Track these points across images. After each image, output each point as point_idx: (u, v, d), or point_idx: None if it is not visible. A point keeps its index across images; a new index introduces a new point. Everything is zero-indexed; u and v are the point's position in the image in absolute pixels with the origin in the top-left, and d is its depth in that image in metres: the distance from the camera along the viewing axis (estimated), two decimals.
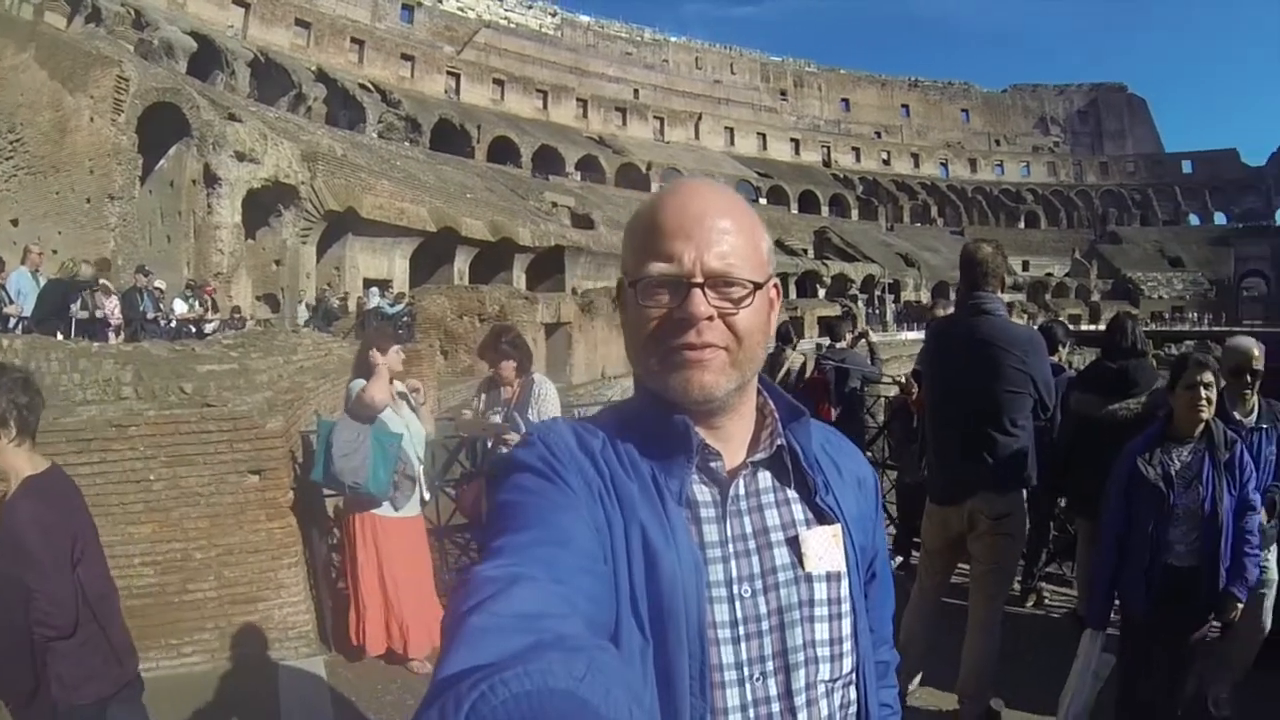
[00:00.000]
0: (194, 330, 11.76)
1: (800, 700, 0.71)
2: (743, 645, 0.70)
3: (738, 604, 0.71)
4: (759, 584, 0.72)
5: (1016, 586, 3.71)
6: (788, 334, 5.20)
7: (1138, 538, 2.37)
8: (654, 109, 51.49)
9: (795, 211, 51.37)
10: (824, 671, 0.73)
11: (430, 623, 3.37)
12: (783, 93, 60.43)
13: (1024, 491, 2.78)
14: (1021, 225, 57.93)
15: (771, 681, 0.70)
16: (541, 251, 26.37)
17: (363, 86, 35.14)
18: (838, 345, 5.29)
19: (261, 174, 17.91)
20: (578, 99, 47.92)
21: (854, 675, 0.76)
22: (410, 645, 3.32)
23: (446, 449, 3.87)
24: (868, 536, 0.81)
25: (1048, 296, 46.31)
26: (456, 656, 0.45)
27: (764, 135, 56.37)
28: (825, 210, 53.29)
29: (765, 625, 0.71)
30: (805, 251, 45.23)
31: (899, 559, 4.43)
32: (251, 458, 3.37)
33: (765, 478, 0.76)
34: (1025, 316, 41.65)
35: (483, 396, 3.60)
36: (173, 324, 11.49)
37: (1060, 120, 66.97)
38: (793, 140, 57.73)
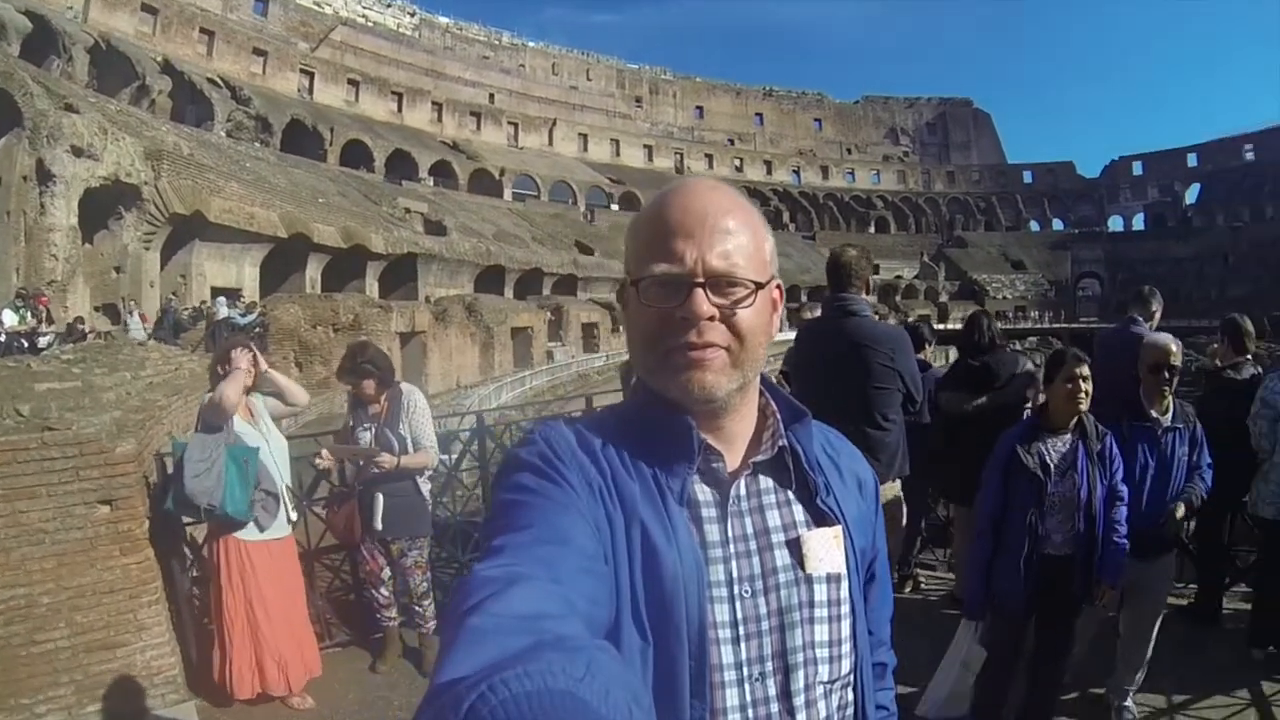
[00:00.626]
0: (26, 345, 11.97)
1: (799, 701, 0.84)
2: (742, 645, 0.82)
3: (738, 604, 0.83)
4: (759, 585, 0.84)
5: (894, 574, 4.33)
6: None
7: (1015, 526, 2.74)
8: (509, 114, 57.72)
9: None
10: (823, 672, 0.86)
11: (307, 653, 3.63)
12: (638, 100, 70.16)
13: (899, 482, 3.36)
14: (872, 230, 70.73)
15: (770, 682, 0.83)
16: (394, 259, 28.87)
17: (211, 81, 37.43)
18: None
19: (100, 172, 18.33)
20: (433, 102, 52.80)
21: (852, 677, 0.90)
22: (289, 679, 3.48)
23: (315, 468, 4.06)
24: (867, 538, 0.96)
25: (898, 298, 53.97)
26: (455, 657, 0.52)
27: (617, 142, 64.99)
28: None
29: (765, 626, 0.84)
30: None
31: None
32: (101, 486, 3.36)
33: (766, 478, 0.89)
34: (878, 315, 52.95)
35: (351, 415, 3.93)
36: (1, 338, 11.73)
37: (910, 131, 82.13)
38: (646, 147, 67.18)
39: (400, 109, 51.16)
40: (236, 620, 3.46)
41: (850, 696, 0.90)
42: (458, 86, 56.58)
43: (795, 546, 0.86)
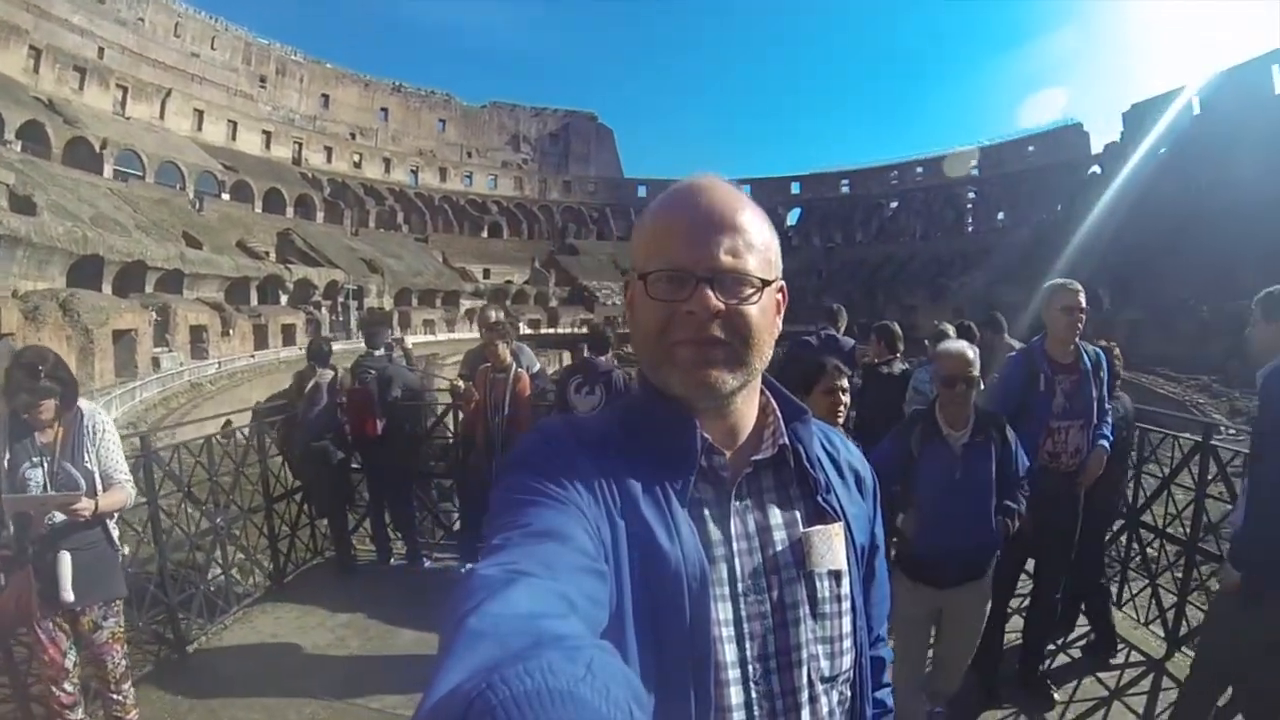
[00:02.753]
0: None
1: (802, 697, 0.94)
2: (745, 643, 0.92)
3: (740, 602, 0.93)
4: (761, 582, 0.95)
5: None
6: (320, 351, 6.52)
7: None
8: (119, 75, 56.35)
9: (259, 210, 60.74)
10: (824, 668, 0.97)
11: None
12: (262, 79, 73.05)
13: None
14: (485, 234, 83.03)
15: (773, 679, 0.93)
16: None
17: None
18: (376, 353, 6.62)
19: None
20: (31, 46, 49.35)
21: (852, 672, 1.01)
22: None
23: None
24: (867, 535, 1.08)
25: (509, 302, 63.83)
26: (454, 659, 0.56)
27: (235, 124, 67.30)
28: (290, 211, 64.32)
29: (767, 623, 0.94)
30: (268, 254, 53.38)
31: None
32: None
33: (768, 476, 1.01)
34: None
35: (6, 449, 3.24)
36: None
37: (532, 140, 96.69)
38: (265, 132, 70.30)
39: None
40: None
41: (850, 691, 1.03)
42: (63, 31, 53.32)
43: (796, 544, 0.98)
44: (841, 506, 1.04)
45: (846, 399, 3.26)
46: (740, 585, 0.94)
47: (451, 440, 7.22)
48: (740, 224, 0.97)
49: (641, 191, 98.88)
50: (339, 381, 6.59)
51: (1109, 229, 53.39)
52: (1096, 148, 71.80)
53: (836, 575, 1.00)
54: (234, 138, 67.94)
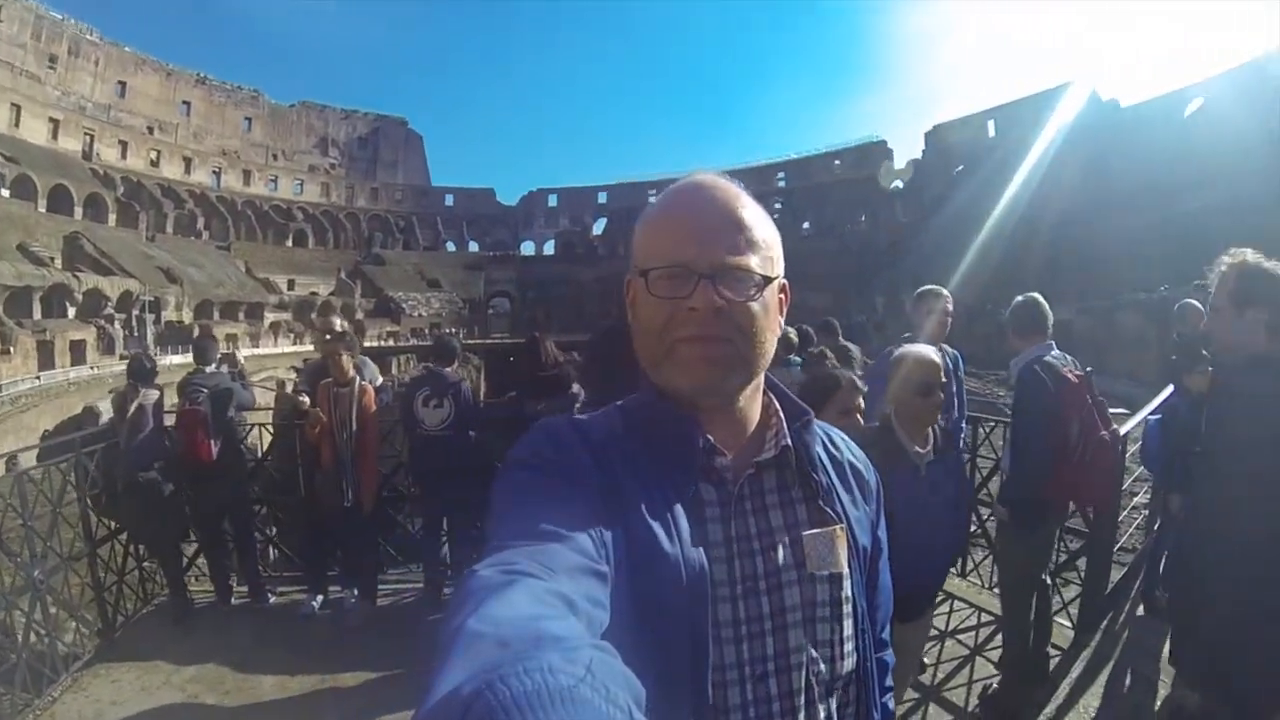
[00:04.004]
0: None
1: (800, 700, 0.99)
2: (745, 645, 0.98)
3: (740, 604, 0.98)
4: (762, 584, 1.00)
5: None
6: (143, 369, 6.14)
7: None
8: None
9: (44, 210, 57.47)
10: (824, 672, 1.02)
11: None
12: (52, 59, 68.81)
13: None
14: (290, 243, 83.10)
15: (773, 681, 0.98)
16: None
17: None
18: (207, 369, 6.42)
19: None
20: None
21: (854, 676, 1.06)
22: None
23: None
24: (869, 538, 1.13)
25: (314, 315, 70.85)
26: (453, 660, 0.60)
27: (19, 108, 62.98)
28: (79, 211, 61.45)
29: (767, 625, 0.99)
30: (53, 260, 51.06)
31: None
32: None
33: (769, 478, 1.06)
34: (293, 334, 55.82)
35: None
36: None
37: (341, 144, 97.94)
38: (53, 120, 66.54)
39: None
40: None
41: (852, 695, 1.08)
42: None
43: (797, 546, 1.04)
44: (843, 509, 1.11)
45: (861, 420, 3.12)
46: (740, 587, 1.01)
47: (264, 463, 7.17)
48: (742, 221, 1.04)
49: (448, 200, 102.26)
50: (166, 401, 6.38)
51: (912, 238, 61.11)
52: (900, 163, 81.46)
53: (837, 579, 1.06)
54: (16, 124, 63.65)
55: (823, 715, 1.04)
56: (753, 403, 1.12)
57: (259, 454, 7.18)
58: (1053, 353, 4.01)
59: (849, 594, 1.07)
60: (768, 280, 1.04)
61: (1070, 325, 33.03)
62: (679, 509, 0.98)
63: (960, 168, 69.23)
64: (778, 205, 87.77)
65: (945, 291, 4.73)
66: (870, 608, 1.14)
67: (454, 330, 70.39)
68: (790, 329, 6.57)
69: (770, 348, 1.07)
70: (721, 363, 1.02)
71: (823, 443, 1.17)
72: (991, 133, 71.88)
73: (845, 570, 1.07)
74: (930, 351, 3.34)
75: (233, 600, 6.50)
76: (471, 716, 0.52)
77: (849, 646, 1.07)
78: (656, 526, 0.95)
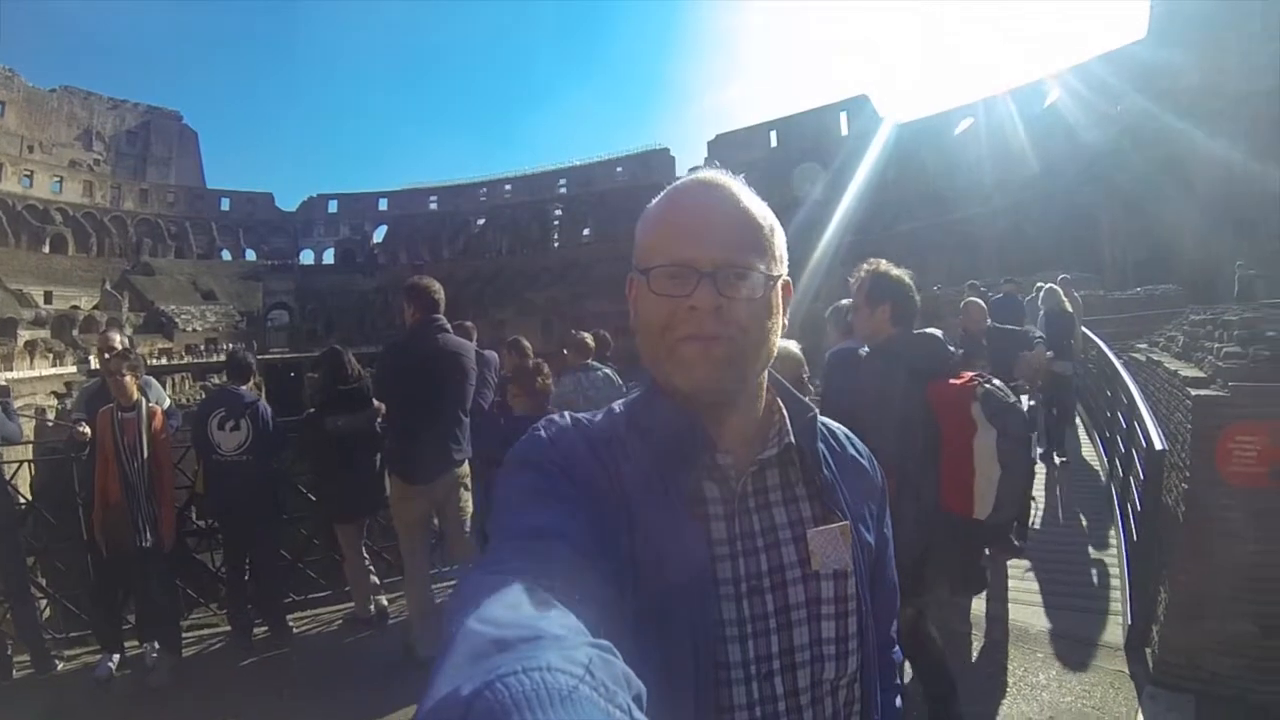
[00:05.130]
0: None
1: (805, 699, 1.12)
2: (749, 643, 1.09)
3: (745, 602, 1.10)
4: (766, 582, 1.12)
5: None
6: None
7: None
8: None
9: None
10: (829, 670, 1.14)
11: None
12: None
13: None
14: (47, 249, 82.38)
15: (778, 680, 1.10)
16: None
17: None
18: None
19: None
20: None
21: (859, 674, 1.18)
22: None
23: None
24: (873, 535, 1.26)
25: (75, 332, 63.60)
26: (453, 661, 0.65)
27: None
28: None
29: (772, 624, 1.11)
30: None
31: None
32: None
33: (773, 475, 1.19)
34: (52, 354, 55.17)
35: None
36: None
37: (107, 137, 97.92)
38: None
39: None
40: None
41: (857, 693, 1.20)
42: None
43: (801, 544, 1.15)
44: (847, 506, 1.22)
45: None
46: (744, 585, 1.11)
47: (34, 506, 7.15)
48: (744, 219, 1.15)
49: (225, 204, 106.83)
50: None
51: None
52: (681, 170, 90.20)
53: (842, 576, 1.17)
54: None
55: (828, 713, 1.16)
56: (755, 400, 1.23)
57: (24, 494, 7.21)
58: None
59: (853, 591, 1.18)
60: (770, 279, 1.15)
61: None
62: (682, 507, 1.10)
63: (741, 176, 78.17)
64: (558, 212, 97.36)
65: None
66: (875, 605, 1.24)
67: (243, 345, 70.76)
68: (587, 334, 7.90)
69: (773, 346, 1.20)
70: (723, 361, 1.11)
71: (826, 439, 1.29)
72: (774, 143, 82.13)
73: (850, 568, 1.18)
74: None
75: (15, 674, 6.06)
76: (471, 717, 0.56)
77: (853, 644, 1.18)
78: (660, 525, 1.06)
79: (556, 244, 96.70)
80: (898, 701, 1.41)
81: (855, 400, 3.85)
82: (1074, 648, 5.83)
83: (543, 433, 1.17)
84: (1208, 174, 34.72)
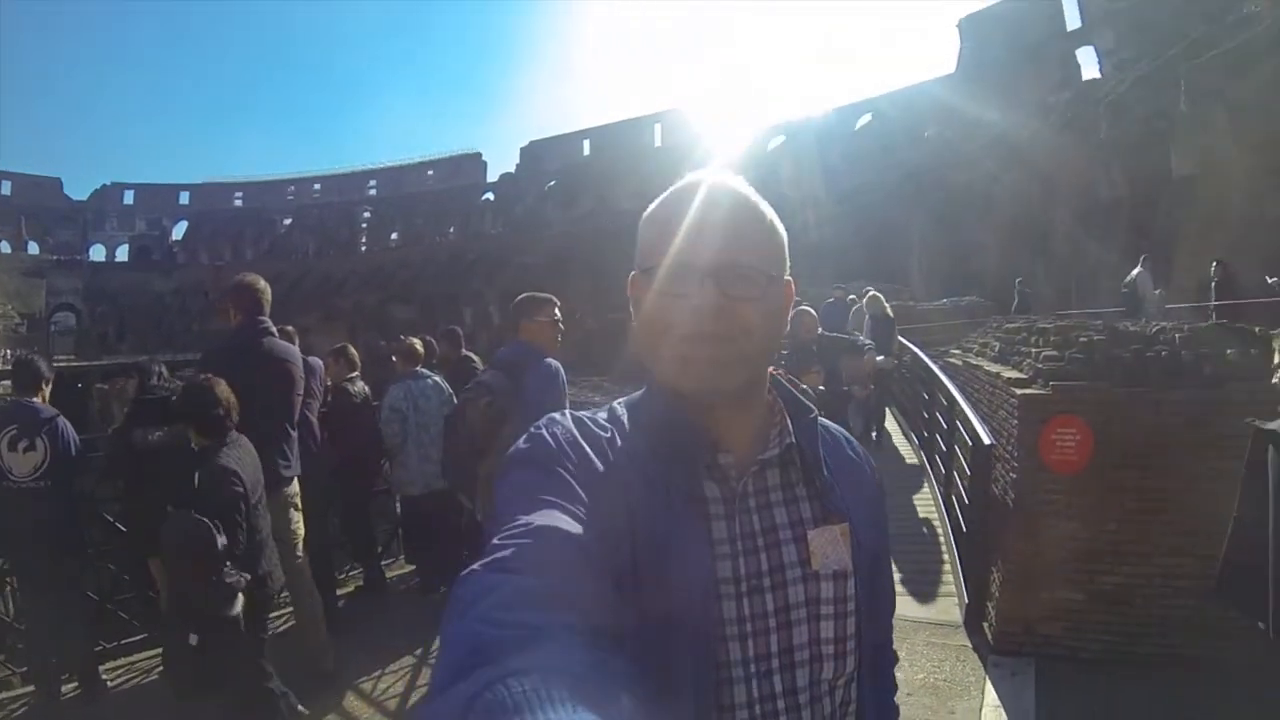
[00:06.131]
0: None
1: (804, 698, 1.13)
2: (749, 642, 1.10)
3: (744, 601, 1.11)
4: (766, 582, 1.13)
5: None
6: None
7: None
8: None
9: None
10: (827, 670, 1.15)
11: None
12: None
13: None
14: None
15: (777, 679, 1.12)
16: None
17: None
18: None
19: None
20: None
21: (856, 674, 1.20)
22: None
23: None
24: (872, 536, 1.26)
25: None
26: (453, 661, 0.67)
27: None
28: None
29: (771, 623, 1.12)
30: None
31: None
32: None
33: (773, 475, 1.20)
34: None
35: None
36: None
37: None
38: None
39: None
40: None
41: (854, 693, 1.22)
42: None
43: (801, 544, 1.17)
44: (848, 507, 1.23)
45: None
46: (744, 585, 1.12)
47: None
48: (746, 219, 1.17)
49: (5, 188, 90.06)
50: None
51: (503, 251, 70.59)
52: (493, 176, 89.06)
53: (841, 576, 1.18)
54: None
55: (826, 712, 1.17)
56: (757, 400, 1.24)
57: None
58: None
59: (852, 592, 1.19)
60: (772, 279, 1.16)
61: None
62: (683, 506, 1.11)
63: (553, 183, 78.42)
64: (367, 213, 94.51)
65: (554, 299, 5.04)
66: (871, 605, 1.25)
67: (30, 350, 62.98)
68: (416, 339, 7.91)
69: (775, 345, 1.24)
70: (724, 361, 1.11)
71: (826, 440, 1.30)
72: (586, 151, 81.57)
73: (849, 569, 1.19)
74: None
75: None
76: (472, 717, 0.57)
77: (852, 644, 1.19)
78: (660, 524, 1.07)
79: (364, 247, 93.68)
80: (893, 702, 1.43)
81: None
82: (917, 629, 6.41)
83: (544, 431, 1.17)
84: (1005, 205, 37.32)
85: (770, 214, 1.21)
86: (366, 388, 7.82)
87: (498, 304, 59.42)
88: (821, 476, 1.23)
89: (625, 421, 1.21)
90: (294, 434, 5.65)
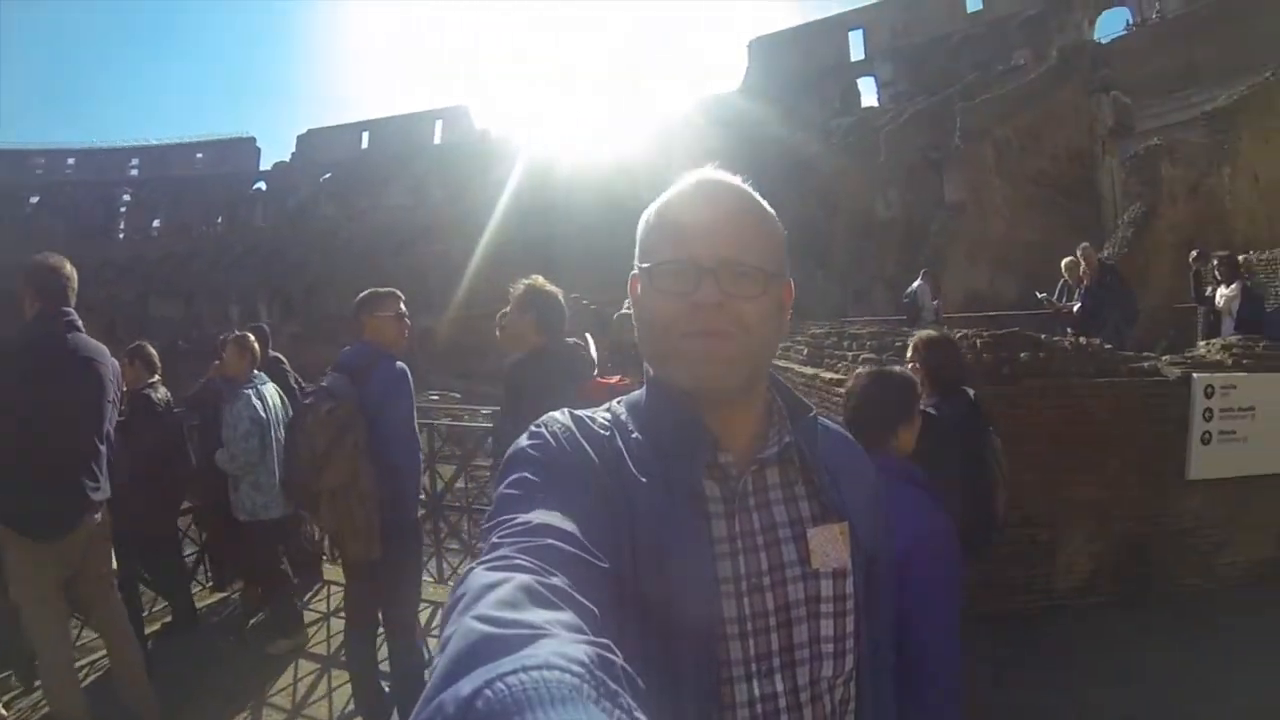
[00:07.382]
0: None
1: (805, 696, 1.14)
2: (749, 641, 1.12)
3: (745, 600, 1.12)
4: (765, 580, 1.14)
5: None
6: None
7: None
8: None
9: None
10: (827, 668, 1.16)
11: None
12: None
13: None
14: None
15: (778, 677, 1.13)
16: None
17: None
18: None
19: None
20: None
21: (856, 673, 1.22)
22: None
23: None
24: (872, 535, 1.27)
25: None
26: (452, 660, 0.65)
27: None
28: None
29: (772, 621, 1.13)
30: None
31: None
32: None
33: (773, 474, 1.21)
34: None
35: None
36: None
37: None
38: None
39: None
40: None
41: (853, 692, 1.24)
42: None
43: (801, 542, 1.18)
44: (847, 506, 1.24)
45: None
46: (745, 584, 1.13)
47: None
48: (747, 217, 1.18)
49: None
50: None
51: (271, 246, 67.47)
52: (266, 164, 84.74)
53: (840, 575, 1.19)
54: None
55: (826, 710, 1.18)
56: (757, 399, 1.25)
57: None
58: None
59: (851, 590, 1.21)
60: (772, 276, 1.17)
61: (433, 332, 41.81)
62: (683, 505, 1.11)
63: (328, 175, 75.36)
64: (127, 196, 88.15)
65: (399, 293, 4.82)
66: (869, 604, 1.25)
67: None
68: (248, 334, 7.01)
69: (775, 344, 1.24)
70: (725, 359, 1.13)
71: (825, 439, 1.32)
72: (365, 144, 77.17)
73: (849, 567, 1.21)
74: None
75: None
76: (471, 717, 0.56)
77: (851, 643, 1.20)
78: (660, 522, 1.07)
79: (123, 234, 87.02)
80: (890, 701, 1.41)
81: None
82: None
83: (544, 430, 1.17)
84: (788, 218, 39.48)
85: (770, 212, 1.22)
86: (169, 394, 6.87)
87: (267, 302, 57.65)
88: (820, 475, 1.24)
89: (625, 420, 1.21)
90: (103, 450, 4.62)
